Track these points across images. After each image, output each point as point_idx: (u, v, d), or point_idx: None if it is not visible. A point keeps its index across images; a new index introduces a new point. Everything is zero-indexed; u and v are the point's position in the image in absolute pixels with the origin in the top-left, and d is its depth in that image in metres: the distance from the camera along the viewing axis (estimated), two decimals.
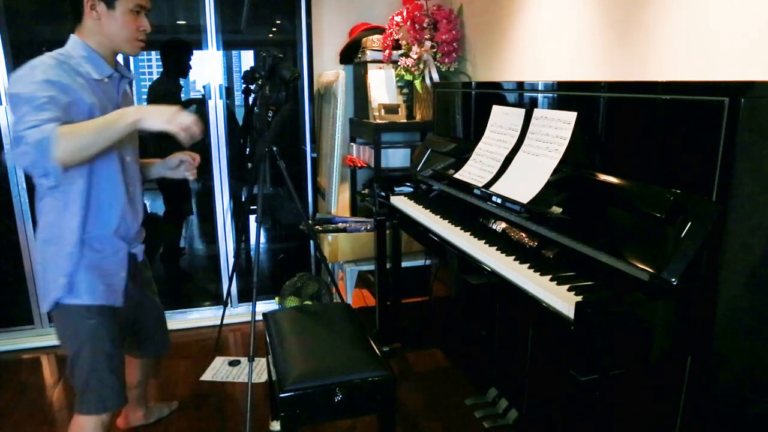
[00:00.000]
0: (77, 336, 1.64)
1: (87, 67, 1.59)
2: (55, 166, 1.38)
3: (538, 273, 1.50)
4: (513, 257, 1.63)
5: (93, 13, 1.58)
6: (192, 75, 3.44)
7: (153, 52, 3.40)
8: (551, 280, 1.44)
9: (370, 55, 3.18)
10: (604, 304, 1.25)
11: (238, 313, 3.29)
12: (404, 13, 3.00)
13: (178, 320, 3.24)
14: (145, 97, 3.42)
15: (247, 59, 3.73)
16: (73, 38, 1.62)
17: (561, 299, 1.32)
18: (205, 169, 3.27)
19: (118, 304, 1.68)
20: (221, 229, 3.22)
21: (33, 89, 1.44)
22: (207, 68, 3.04)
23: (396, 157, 3.18)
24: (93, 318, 1.63)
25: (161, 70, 3.35)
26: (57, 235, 1.58)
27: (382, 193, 2.58)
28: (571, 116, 1.67)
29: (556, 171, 1.68)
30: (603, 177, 1.52)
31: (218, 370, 2.72)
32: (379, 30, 3.25)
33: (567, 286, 1.38)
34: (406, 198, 2.49)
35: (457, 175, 2.10)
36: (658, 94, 1.37)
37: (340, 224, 3.08)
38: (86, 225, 1.60)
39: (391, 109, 3.10)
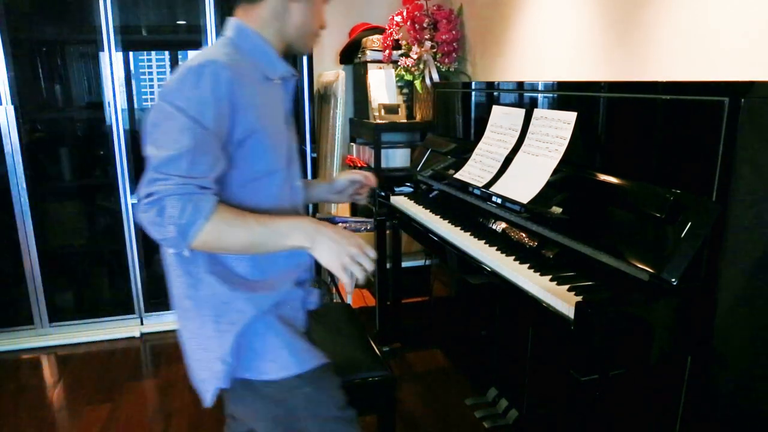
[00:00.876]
0: (292, 416, 1.19)
1: (259, 65, 1.18)
2: (186, 249, 1.02)
3: (538, 273, 1.49)
4: (513, 257, 1.63)
5: None
6: None
7: (153, 52, 3.40)
8: (551, 280, 1.44)
9: (370, 55, 3.18)
10: (604, 305, 1.25)
11: None
12: (404, 13, 3.00)
13: None
14: (145, 97, 3.42)
15: None
16: (237, 24, 1.18)
17: (561, 299, 1.32)
18: None
19: (327, 360, 1.24)
20: None
21: (194, 112, 1.01)
22: None
23: (396, 157, 3.18)
24: (310, 384, 1.19)
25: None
26: (205, 295, 1.13)
27: (382, 193, 2.58)
28: (571, 116, 1.67)
29: (556, 171, 1.68)
30: (603, 177, 1.52)
31: None
32: (379, 30, 3.25)
33: (567, 286, 1.38)
34: (406, 198, 2.49)
35: (457, 175, 2.10)
36: (658, 94, 1.37)
37: (340, 224, 3.08)
38: (263, 272, 1.17)
39: (391, 109, 3.10)
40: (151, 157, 1.01)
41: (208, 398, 1.17)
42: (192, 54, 3.50)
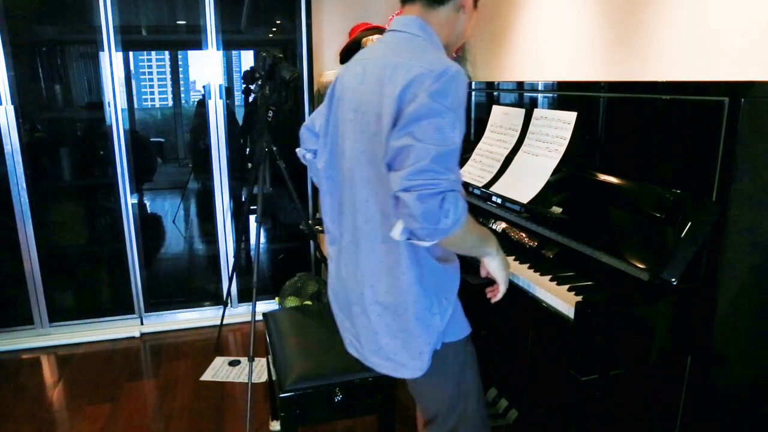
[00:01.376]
0: (463, 368, 1.38)
1: None
2: (435, 241, 1.11)
3: (538, 273, 1.50)
4: (513, 257, 1.63)
5: (461, 5, 1.26)
6: (192, 75, 3.44)
7: (153, 52, 3.40)
8: (551, 280, 1.44)
9: None
10: (604, 305, 1.25)
11: (238, 313, 3.29)
12: None
13: (178, 320, 3.25)
14: (145, 97, 3.42)
15: (247, 59, 3.73)
16: (423, 25, 1.24)
17: (561, 299, 1.32)
18: (205, 169, 3.28)
19: None
20: (221, 229, 3.22)
21: (458, 114, 1.11)
22: (207, 68, 3.04)
23: None
24: (470, 342, 1.40)
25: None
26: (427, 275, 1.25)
27: None
28: (571, 116, 1.67)
29: (556, 171, 1.68)
30: (603, 177, 1.52)
31: (218, 370, 2.72)
32: (379, 30, 3.24)
33: (567, 286, 1.38)
34: None
35: None
36: (658, 94, 1.37)
37: None
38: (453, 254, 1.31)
39: None
40: (414, 148, 1.08)
41: (425, 364, 1.28)
42: (191, 53, 3.45)
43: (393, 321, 1.26)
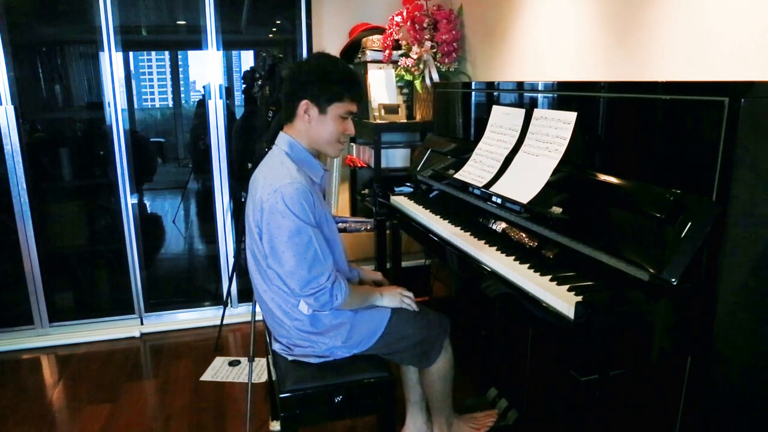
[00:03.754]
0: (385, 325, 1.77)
1: (308, 171, 1.66)
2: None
3: (538, 273, 1.49)
4: (513, 257, 1.63)
5: (305, 116, 1.64)
6: (192, 75, 3.44)
7: (153, 52, 3.40)
8: (551, 280, 1.44)
9: (370, 55, 3.18)
10: (604, 304, 1.25)
11: (238, 313, 3.29)
12: (404, 14, 3.00)
13: (178, 320, 3.25)
14: (145, 97, 3.42)
15: (247, 59, 3.74)
16: (287, 139, 1.68)
17: (561, 299, 1.32)
18: (205, 169, 3.28)
19: None
20: (221, 229, 3.22)
21: (306, 215, 1.55)
22: (207, 68, 3.04)
23: (396, 157, 3.17)
24: (391, 321, 1.79)
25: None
26: None
27: (382, 193, 2.58)
28: (571, 116, 1.67)
29: (556, 171, 1.68)
30: (603, 177, 1.52)
31: (218, 370, 2.72)
32: (379, 30, 3.25)
33: (567, 286, 1.38)
34: (406, 198, 2.49)
35: (457, 175, 2.10)
36: (658, 94, 1.37)
37: (340, 224, 3.08)
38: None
39: (391, 109, 3.10)
40: (291, 267, 1.57)
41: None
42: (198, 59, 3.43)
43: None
